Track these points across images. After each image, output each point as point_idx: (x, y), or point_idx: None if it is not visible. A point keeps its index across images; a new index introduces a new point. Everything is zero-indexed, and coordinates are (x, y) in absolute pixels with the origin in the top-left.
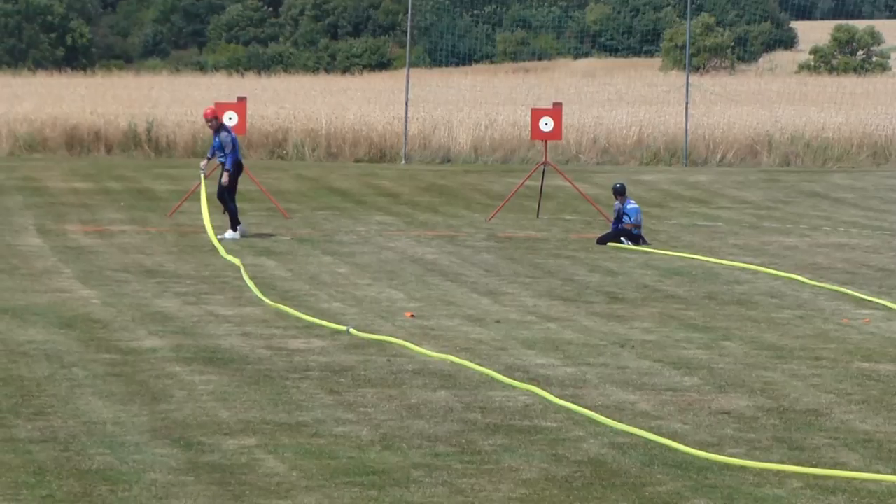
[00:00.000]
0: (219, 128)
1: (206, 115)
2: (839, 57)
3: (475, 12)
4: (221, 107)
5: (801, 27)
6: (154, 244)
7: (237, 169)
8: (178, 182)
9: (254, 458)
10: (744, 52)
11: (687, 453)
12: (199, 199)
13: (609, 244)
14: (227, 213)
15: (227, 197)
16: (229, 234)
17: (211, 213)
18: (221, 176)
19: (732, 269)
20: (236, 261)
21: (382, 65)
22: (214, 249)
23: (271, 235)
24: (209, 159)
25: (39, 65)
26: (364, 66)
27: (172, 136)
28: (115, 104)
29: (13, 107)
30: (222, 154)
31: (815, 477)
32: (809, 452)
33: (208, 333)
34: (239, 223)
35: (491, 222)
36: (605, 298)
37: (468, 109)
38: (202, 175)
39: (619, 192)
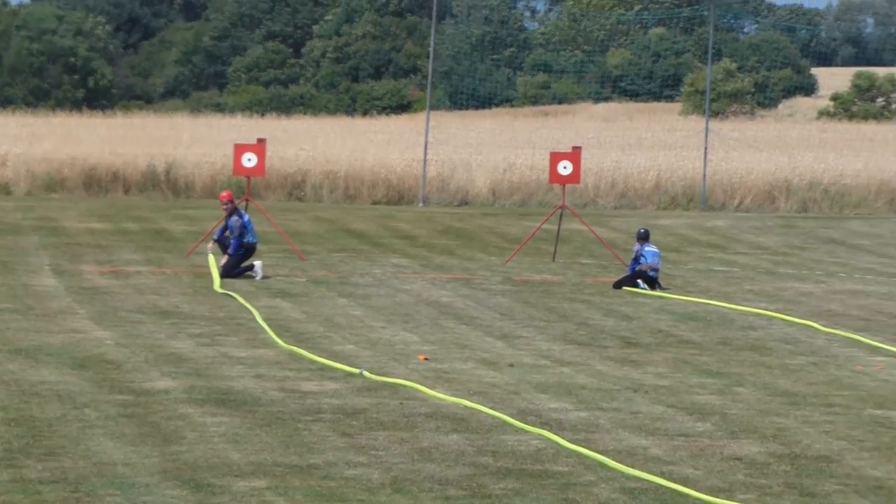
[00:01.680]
0: (232, 211)
1: (221, 199)
2: (859, 104)
3: (495, 56)
4: (241, 148)
5: (821, 73)
6: (169, 285)
7: (246, 252)
8: (196, 223)
9: (264, 500)
10: (764, 97)
11: (698, 499)
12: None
13: (625, 288)
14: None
15: (228, 273)
16: (258, 264)
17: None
18: (222, 259)
19: (747, 315)
20: (250, 306)
21: (403, 107)
22: (229, 294)
23: (287, 277)
24: (215, 241)
25: (60, 105)
26: (384, 109)
27: (191, 177)
28: (134, 145)
29: (32, 146)
30: (231, 236)
31: None
32: (821, 499)
33: (221, 375)
34: (252, 266)
35: (507, 266)
36: (619, 343)
37: (487, 152)
38: (210, 255)
39: (642, 238)
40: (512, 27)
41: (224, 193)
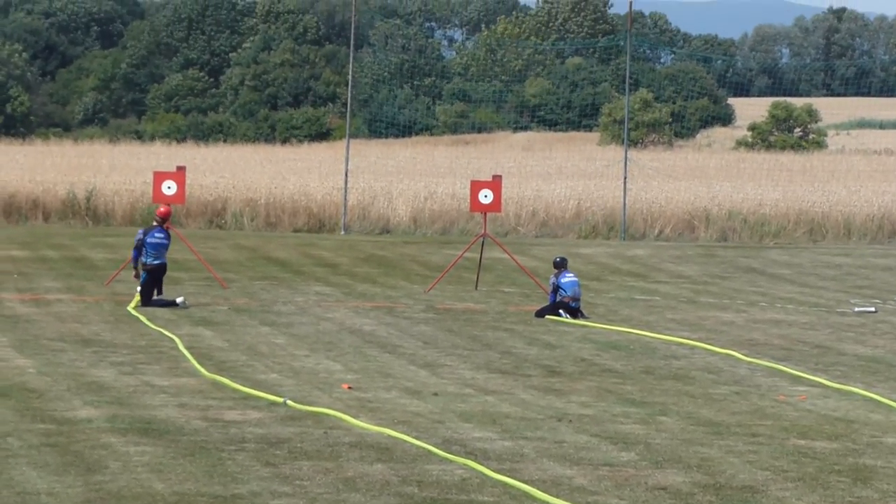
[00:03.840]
0: (161, 229)
1: (160, 214)
2: (776, 134)
3: (415, 83)
4: (160, 176)
5: (738, 104)
6: (90, 313)
7: (149, 273)
8: (116, 251)
9: None
10: (681, 127)
11: None
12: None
13: (547, 317)
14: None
15: (148, 302)
16: (180, 300)
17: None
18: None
19: (669, 344)
20: (171, 335)
21: (322, 135)
22: (150, 320)
23: (209, 305)
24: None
25: None
26: (304, 137)
27: (111, 204)
28: (54, 172)
29: None
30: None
31: None
32: None
33: (144, 404)
34: (174, 302)
35: (429, 294)
36: (542, 372)
37: (408, 181)
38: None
39: (558, 266)
40: (430, 56)
41: (166, 209)
